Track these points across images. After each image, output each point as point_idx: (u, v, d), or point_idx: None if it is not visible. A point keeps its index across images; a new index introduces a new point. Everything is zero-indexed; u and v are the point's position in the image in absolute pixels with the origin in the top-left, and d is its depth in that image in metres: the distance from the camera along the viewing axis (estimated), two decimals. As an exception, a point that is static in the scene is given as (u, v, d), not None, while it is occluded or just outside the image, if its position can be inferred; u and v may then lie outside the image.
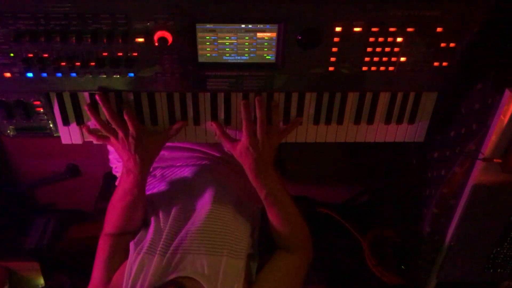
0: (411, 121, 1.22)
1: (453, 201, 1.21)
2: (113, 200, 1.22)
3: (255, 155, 1.13)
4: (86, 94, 1.14)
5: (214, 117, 1.19)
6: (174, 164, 1.41)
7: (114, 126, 1.12)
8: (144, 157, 1.14)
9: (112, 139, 1.14)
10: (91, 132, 1.17)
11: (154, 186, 1.35)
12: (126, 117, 1.10)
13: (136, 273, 1.09)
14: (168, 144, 1.25)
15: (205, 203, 1.24)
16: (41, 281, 1.84)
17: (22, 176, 2.01)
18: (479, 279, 1.35)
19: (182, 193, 1.29)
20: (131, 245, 1.17)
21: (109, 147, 1.49)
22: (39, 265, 1.80)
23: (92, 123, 1.17)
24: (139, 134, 1.11)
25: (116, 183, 1.47)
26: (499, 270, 1.32)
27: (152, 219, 1.22)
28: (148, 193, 1.32)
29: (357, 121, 1.21)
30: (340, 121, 1.21)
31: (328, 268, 1.80)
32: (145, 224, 1.23)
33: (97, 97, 1.10)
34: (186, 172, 1.36)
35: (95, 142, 1.19)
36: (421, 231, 1.33)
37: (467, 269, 1.32)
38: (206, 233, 1.16)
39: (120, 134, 1.12)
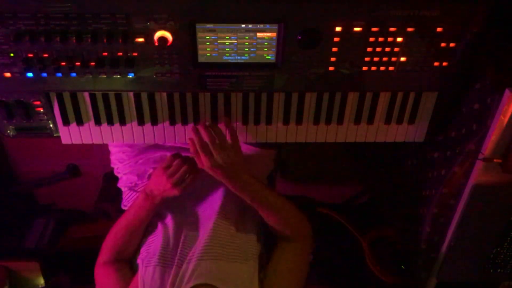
0: (411, 121, 1.22)
1: (453, 201, 1.21)
2: (119, 225, 1.23)
3: (221, 171, 1.13)
4: (86, 94, 1.14)
5: (214, 117, 1.19)
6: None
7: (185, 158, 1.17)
8: (166, 198, 1.18)
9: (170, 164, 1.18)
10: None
11: None
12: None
13: (151, 285, 1.11)
14: (171, 144, 1.25)
15: (213, 212, 1.24)
16: (41, 281, 1.84)
17: (22, 176, 2.01)
18: (479, 279, 1.35)
19: (189, 201, 1.29)
20: (139, 261, 1.19)
21: (110, 148, 1.49)
22: (39, 265, 1.80)
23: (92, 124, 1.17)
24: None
25: (123, 190, 1.47)
26: (499, 270, 1.32)
27: (159, 229, 1.23)
28: None
29: (357, 121, 1.21)
30: (340, 121, 1.21)
31: (328, 268, 1.80)
32: (150, 233, 1.24)
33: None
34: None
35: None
36: (421, 231, 1.32)
37: (467, 269, 1.32)
38: (218, 242, 1.18)
39: (182, 171, 1.16)
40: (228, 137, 1.16)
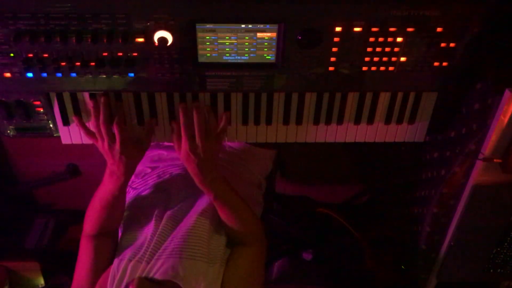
0: (411, 121, 1.22)
1: (453, 201, 1.21)
2: (94, 200, 1.22)
3: (197, 160, 1.11)
4: (86, 94, 1.14)
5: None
6: (174, 163, 1.41)
7: (102, 131, 1.10)
8: (128, 163, 1.13)
9: (99, 140, 1.13)
10: (81, 123, 1.15)
11: (145, 189, 1.35)
12: (115, 127, 1.09)
13: (120, 279, 1.11)
14: (169, 144, 1.25)
15: (194, 212, 1.24)
16: (41, 281, 1.84)
17: (22, 176, 2.01)
18: (479, 279, 1.35)
19: (173, 199, 1.28)
20: (116, 253, 1.18)
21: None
22: (39, 265, 1.80)
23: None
24: (124, 145, 1.10)
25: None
26: (499, 270, 1.32)
27: (142, 225, 1.22)
28: (138, 192, 1.33)
29: (357, 121, 1.21)
30: (340, 121, 1.21)
31: (328, 268, 1.80)
32: (134, 228, 1.23)
33: (102, 99, 1.10)
34: (179, 177, 1.36)
35: (84, 137, 1.18)
36: (421, 231, 1.33)
37: (467, 269, 1.32)
38: (189, 240, 1.17)
39: (106, 141, 1.11)
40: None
